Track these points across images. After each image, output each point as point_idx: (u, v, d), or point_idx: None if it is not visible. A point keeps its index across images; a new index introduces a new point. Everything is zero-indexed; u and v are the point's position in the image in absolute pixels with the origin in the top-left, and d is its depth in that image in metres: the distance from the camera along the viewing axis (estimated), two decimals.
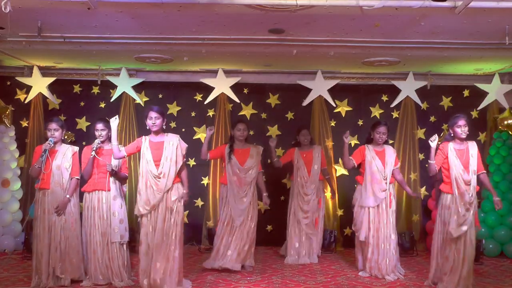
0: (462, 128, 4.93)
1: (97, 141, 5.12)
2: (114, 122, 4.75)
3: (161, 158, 4.72)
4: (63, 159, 5.12)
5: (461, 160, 4.94)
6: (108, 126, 5.17)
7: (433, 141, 4.95)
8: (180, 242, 4.76)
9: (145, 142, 4.79)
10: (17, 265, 5.97)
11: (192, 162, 7.40)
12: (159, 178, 4.68)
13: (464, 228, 4.78)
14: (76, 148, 5.27)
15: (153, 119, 4.75)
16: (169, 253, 4.66)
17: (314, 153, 6.38)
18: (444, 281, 4.87)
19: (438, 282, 4.99)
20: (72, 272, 5.06)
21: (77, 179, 5.17)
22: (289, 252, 6.31)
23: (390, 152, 5.66)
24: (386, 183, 5.52)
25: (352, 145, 7.45)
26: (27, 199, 7.10)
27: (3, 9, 4.13)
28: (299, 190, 6.30)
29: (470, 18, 4.78)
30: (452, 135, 5.05)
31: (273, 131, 7.50)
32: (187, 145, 4.95)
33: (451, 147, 4.99)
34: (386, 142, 5.73)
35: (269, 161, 6.62)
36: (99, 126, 5.17)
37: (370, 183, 5.52)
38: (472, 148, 5.00)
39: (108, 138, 5.20)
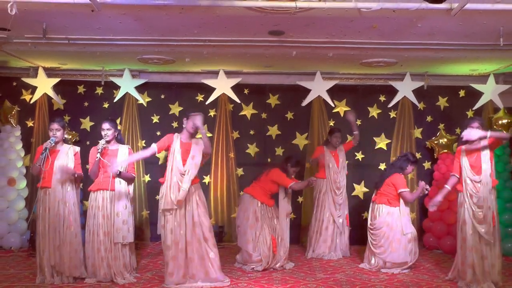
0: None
1: (102, 141, 5.14)
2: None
3: (187, 157, 5.04)
4: (66, 159, 5.17)
5: (469, 160, 5.02)
6: (114, 126, 5.25)
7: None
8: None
9: (176, 140, 5.08)
10: (23, 262, 6.05)
11: None
12: (183, 175, 4.97)
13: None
14: (78, 148, 5.32)
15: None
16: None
17: (339, 151, 6.72)
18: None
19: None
20: (73, 270, 5.07)
21: (80, 174, 5.24)
22: (314, 247, 6.55)
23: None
24: None
25: None
26: (33, 197, 7.09)
27: (9, 11, 4.18)
28: (332, 186, 6.57)
29: (466, 20, 4.81)
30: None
31: (273, 131, 7.59)
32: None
33: (463, 149, 5.10)
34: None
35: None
36: (105, 125, 5.21)
37: None
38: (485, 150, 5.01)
39: (114, 138, 5.27)
